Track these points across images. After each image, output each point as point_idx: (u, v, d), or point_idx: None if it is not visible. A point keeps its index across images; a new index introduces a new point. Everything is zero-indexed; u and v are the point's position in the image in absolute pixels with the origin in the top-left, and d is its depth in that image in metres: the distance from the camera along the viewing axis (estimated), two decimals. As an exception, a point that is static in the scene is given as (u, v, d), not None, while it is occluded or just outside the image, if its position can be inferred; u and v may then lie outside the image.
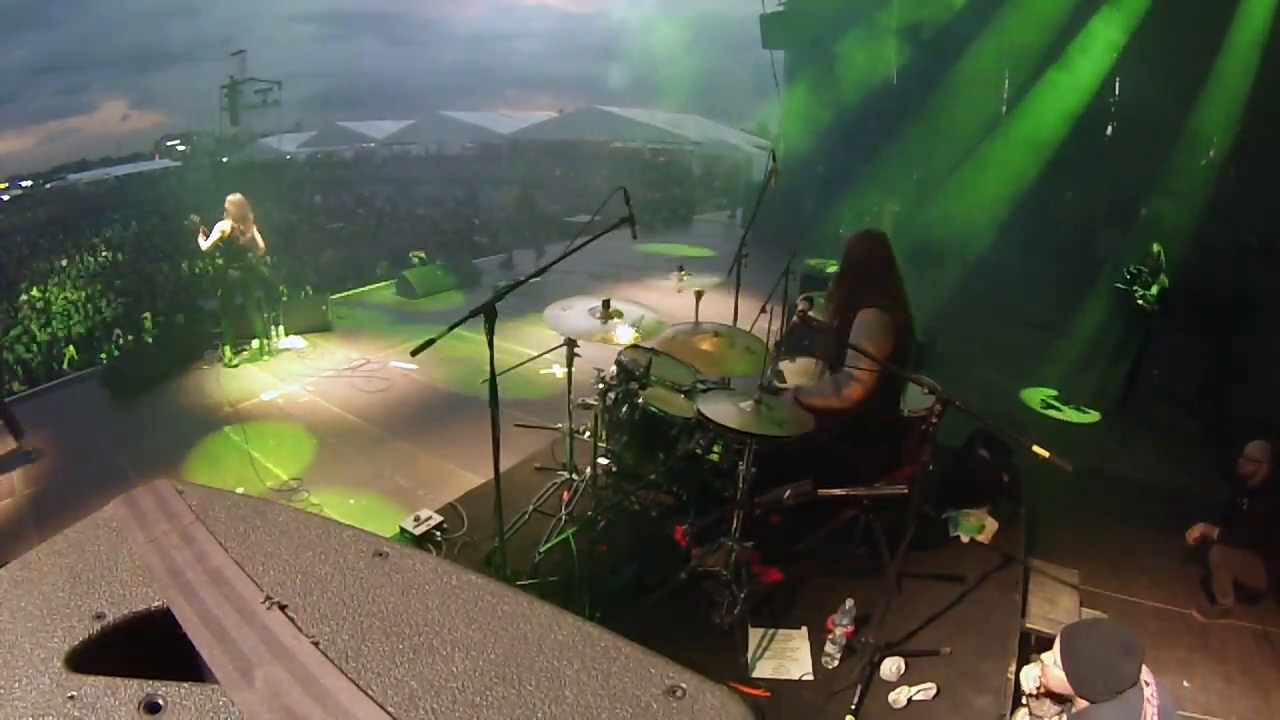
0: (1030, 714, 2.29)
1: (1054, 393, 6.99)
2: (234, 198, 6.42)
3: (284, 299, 8.12)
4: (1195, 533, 4.06)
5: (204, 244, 6.35)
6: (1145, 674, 1.98)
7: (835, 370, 3.09)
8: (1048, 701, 2.22)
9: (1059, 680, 2.02)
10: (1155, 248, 6.68)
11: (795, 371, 4.08)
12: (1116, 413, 6.72)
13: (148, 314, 9.15)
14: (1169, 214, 9.36)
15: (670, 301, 3.69)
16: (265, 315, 7.17)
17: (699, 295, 4.17)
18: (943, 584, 3.31)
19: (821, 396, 2.91)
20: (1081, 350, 7.63)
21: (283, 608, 1.31)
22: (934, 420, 2.39)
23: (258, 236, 6.58)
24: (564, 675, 1.19)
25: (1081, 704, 2.01)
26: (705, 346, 3.73)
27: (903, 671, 2.72)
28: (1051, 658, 2.05)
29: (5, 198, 25.39)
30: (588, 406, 3.49)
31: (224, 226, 6.28)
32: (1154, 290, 6.36)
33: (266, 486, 4.61)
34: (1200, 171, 9.34)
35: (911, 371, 2.94)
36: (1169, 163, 9.45)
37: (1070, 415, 6.72)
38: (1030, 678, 2.26)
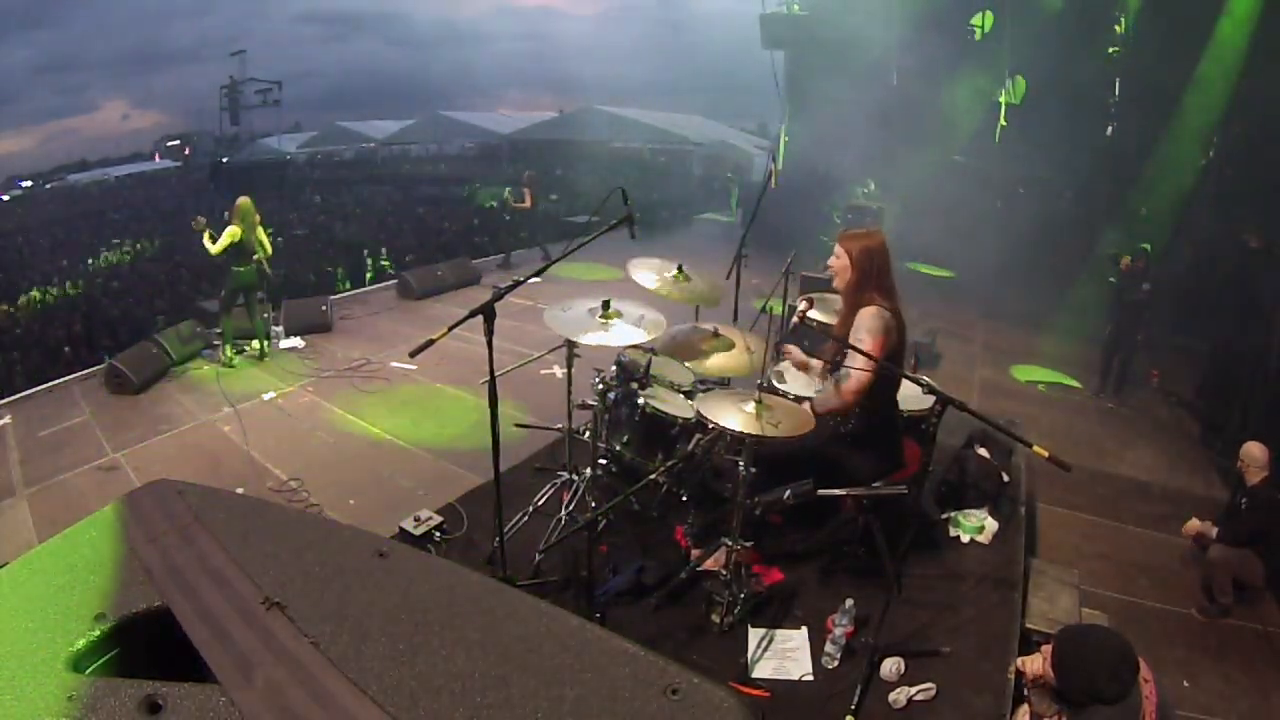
0: (1031, 711, 2.29)
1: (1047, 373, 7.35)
2: (241, 201, 6.47)
3: (284, 299, 8.11)
4: (1193, 527, 4.06)
5: (212, 248, 6.37)
6: (1144, 671, 1.98)
7: (836, 370, 3.10)
8: (1049, 698, 2.22)
9: (1049, 676, 2.04)
10: (1145, 246, 6.98)
11: (796, 372, 4.07)
12: (1112, 393, 6.89)
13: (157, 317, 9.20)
14: (1169, 214, 9.37)
15: (670, 302, 3.68)
16: (266, 315, 7.17)
17: (697, 302, 4.16)
18: (943, 584, 3.31)
19: (825, 402, 2.92)
20: (1079, 346, 7.68)
21: (282, 608, 1.31)
22: (934, 420, 2.39)
23: (264, 238, 6.60)
24: (564, 675, 1.19)
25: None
26: (705, 346, 3.72)
27: (903, 671, 2.72)
28: (1046, 654, 2.06)
29: (5, 198, 25.37)
30: (588, 406, 3.49)
31: (233, 230, 6.32)
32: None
33: (266, 487, 4.61)
34: (1200, 171, 9.35)
35: (908, 371, 2.94)
36: (1169, 162, 9.47)
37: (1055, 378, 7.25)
38: (1032, 666, 2.27)
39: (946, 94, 11.50)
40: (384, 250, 11.86)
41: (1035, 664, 2.27)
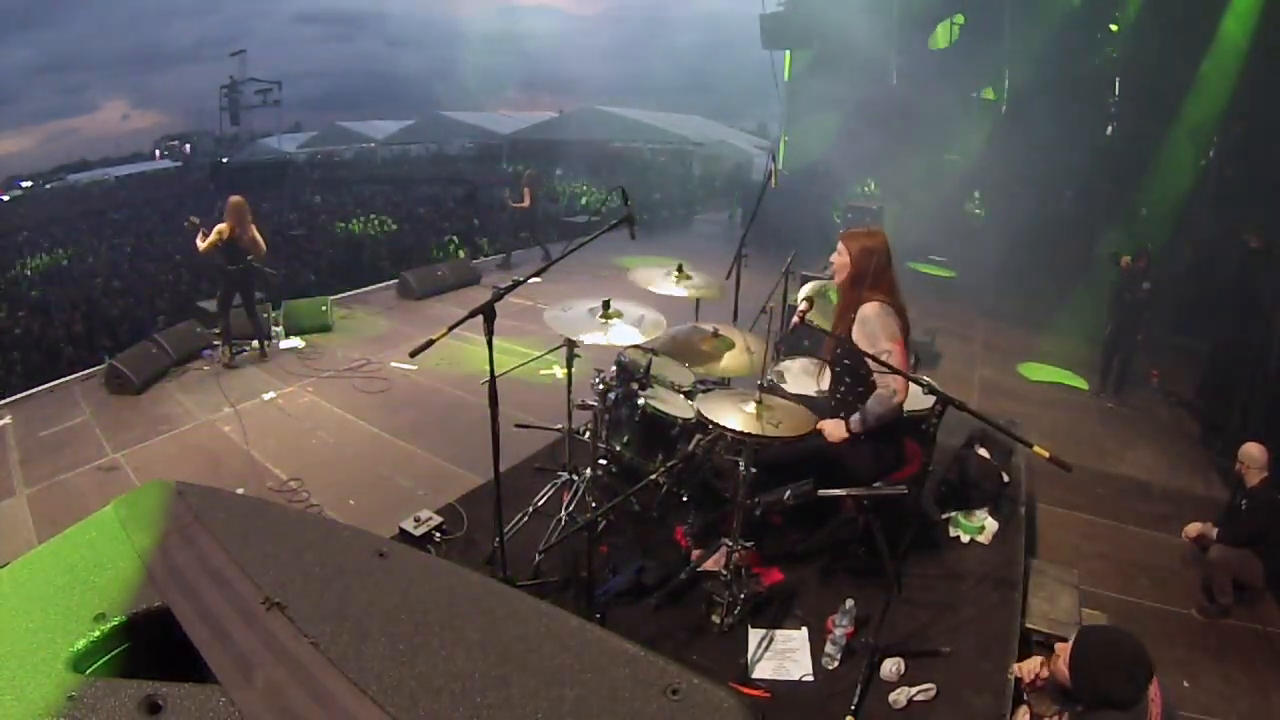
0: (1031, 713, 2.29)
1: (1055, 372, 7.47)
2: (233, 199, 6.47)
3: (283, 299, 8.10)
4: (1193, 530, 4.06)
5: (201, 245, 6.38)
6: None
7: (836, 367, 3.09)
8: (1048, 699, 2.22)
9: (1062, 674, 2.03)
10: (1147, 245, 6.98)
11: (796, 372, 4.08)
12: (1112, 393, 6.92)
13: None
14: (1169, 214, 9.37)
15: (670, 301, 3.68)
16: (265, 315, 7.16)
17: (699, 295, 4.16)
18: (943, 584, 3.31)
19: (878, 416, 2.85)
20: (1079, 346, 7.70)
21: (282, 608, 1.31)
22: (934, 420, 2.39)
23: (258, 238, 6.59)
24: (564, 675, 1.19)
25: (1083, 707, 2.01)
26: (705, 346, 3.72)
27: (903, 672, 2.72)
28: (1064, 652, 2.05)
29: (5, 198, 25.38)
30: (588, 406, 3.49)
31: (221, 228, 6.32)
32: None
33: (266, 486, 4.61)
34: (1200, 171, 9.34)
35: (910, 371, 2.94)
36: (1169, 162, 9.46)
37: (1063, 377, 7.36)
38: (1029, 670, 2.26)
39: (946, 93, 11.49)
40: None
41: (1032, 665, 2.26)
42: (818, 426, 2.98)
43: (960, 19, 11.83)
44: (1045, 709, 2.23)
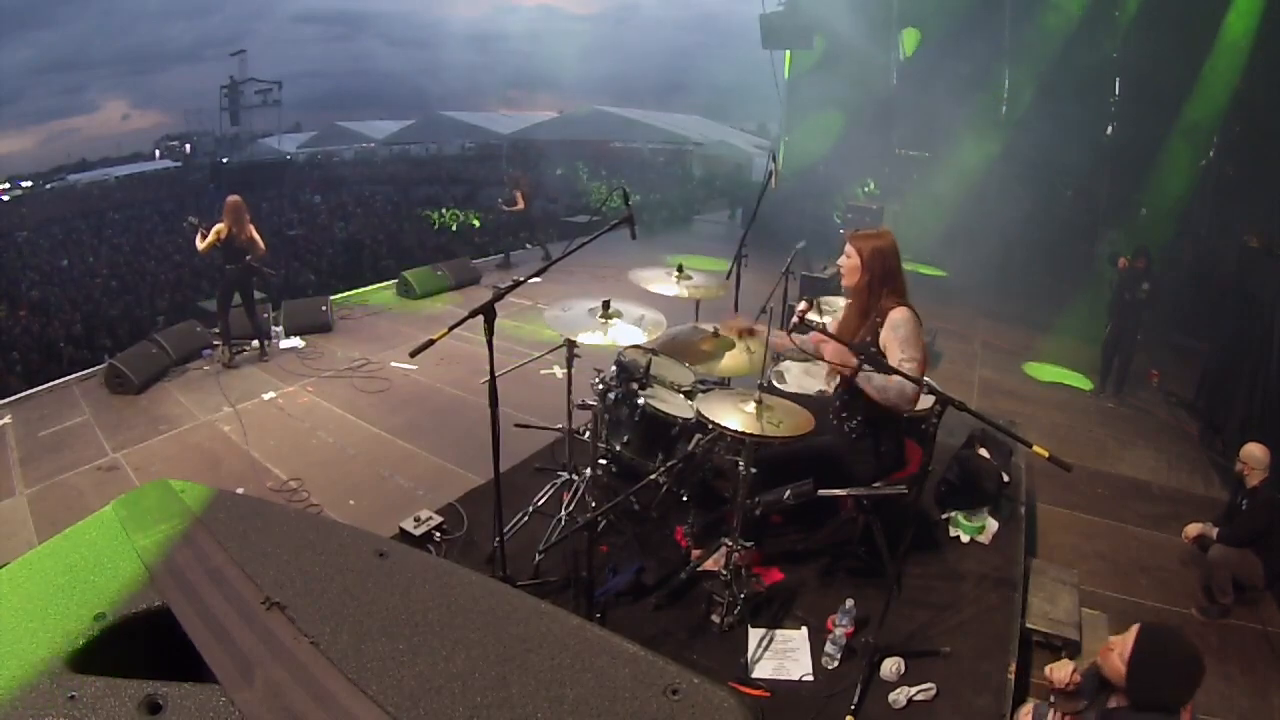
0: (1053, 710, 2.28)
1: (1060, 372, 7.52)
2: (230, 199, 6.48)
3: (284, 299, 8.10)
4: (1193, 531, 4.06)
5: (199, 245, 6.39)
6: None
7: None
8: (1073, 700, 2.22)
9: (1115, 669, 2.02)
10: (1146, 246, 7.00)
11: (796, 372, 4.08)
12: (1112, 393, 6.95)
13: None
14: (1169, 214, 9.36)
15: (670, 301, 3.68)
16: (265, 315, 7.15)
17: (699, 296, 4.16)
18: (943, 584, 3.31)
19: (894, 396, 2.74)
20: (1079, 346, 7.70)
21: (282, 608, 1.31)
22: (934, 420, 2.39)
23: (256, 237, 6.59)
24: (564, 675, 1.19)
25: (1117, 701, 2.01)
26: (705, 346, 3.72)
27: (903, 671, 2.72)
28: (1119, 646, 2.04)
29: (5, 198, 25.39)
30: (587, 406, 3.49)
31: (219, 228, 6.33)
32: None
33: (266, 486, 4.61)
34: (1200, 171, 9.34)
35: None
36: (1169, 162, 9.46)
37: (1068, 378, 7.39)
38: (1061, 677, 2.26)
39: (946, 93, 11.49)
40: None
41: (1063, 673, 2.25)
42: (821, 350, 2.91)
43: (916, 34, 11.89)
44: (1070, 706, 2.23)
